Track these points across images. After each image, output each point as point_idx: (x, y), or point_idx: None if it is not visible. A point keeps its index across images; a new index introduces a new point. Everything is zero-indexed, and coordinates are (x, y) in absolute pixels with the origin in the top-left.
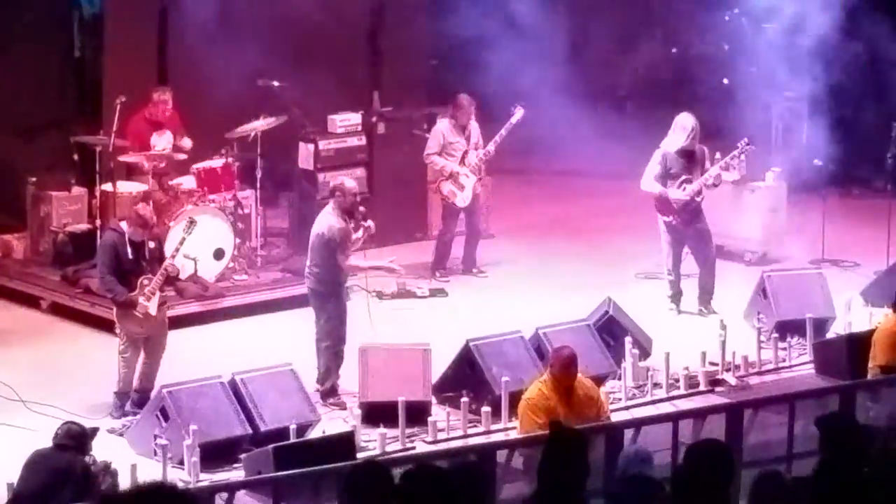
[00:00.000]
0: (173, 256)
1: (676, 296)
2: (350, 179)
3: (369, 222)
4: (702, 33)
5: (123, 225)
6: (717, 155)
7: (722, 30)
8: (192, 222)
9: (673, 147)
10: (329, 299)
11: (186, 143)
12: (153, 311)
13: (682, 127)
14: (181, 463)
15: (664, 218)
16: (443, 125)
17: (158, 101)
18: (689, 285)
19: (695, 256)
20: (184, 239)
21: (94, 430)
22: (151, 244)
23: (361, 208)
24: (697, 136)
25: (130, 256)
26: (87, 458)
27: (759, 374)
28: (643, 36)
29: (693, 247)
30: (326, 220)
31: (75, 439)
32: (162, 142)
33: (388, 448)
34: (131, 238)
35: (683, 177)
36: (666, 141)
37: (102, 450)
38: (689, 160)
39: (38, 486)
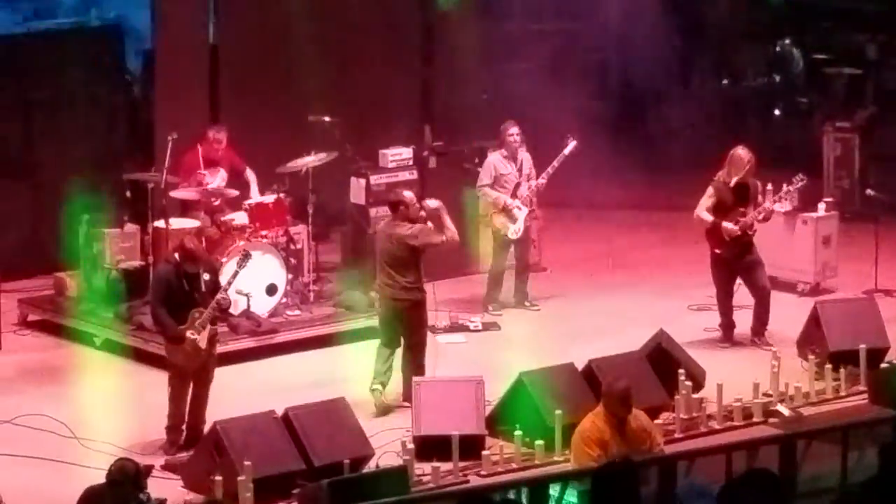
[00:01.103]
0: (226, 289)
1: (728, 328)
2: (409, 192)
3: (429, 202)
4: (753, 64)
5: (177, 256)
6: (769, 186)
7: (773, 60)
8: (246, 255)
9: (728, 180)
10: (423, 307)
11: (250, 175)
12: (203, 344)
13: (738, 160)
14: (235, 499)
15: (715, 250)
16: (494, 157)
17: (213, 139)
18: (741, 317)
19: (748, 288)
20: (237, 272)
21: (149, 468)
22: (207, 276)
23: (422, 213)
24: (753, 170)
25: (186, 288)
26: (141, 496)
27: (813, 404)
28: (694, 67)
29: (746, 279)
30: (401, 231)
31: (128, 476)
32: (215, 179)
33: (442, 482)
34: (185, 270)
35: (736, 210)
36: (721, 173)
37: (157, 487)
38: (744, 193)
39: None
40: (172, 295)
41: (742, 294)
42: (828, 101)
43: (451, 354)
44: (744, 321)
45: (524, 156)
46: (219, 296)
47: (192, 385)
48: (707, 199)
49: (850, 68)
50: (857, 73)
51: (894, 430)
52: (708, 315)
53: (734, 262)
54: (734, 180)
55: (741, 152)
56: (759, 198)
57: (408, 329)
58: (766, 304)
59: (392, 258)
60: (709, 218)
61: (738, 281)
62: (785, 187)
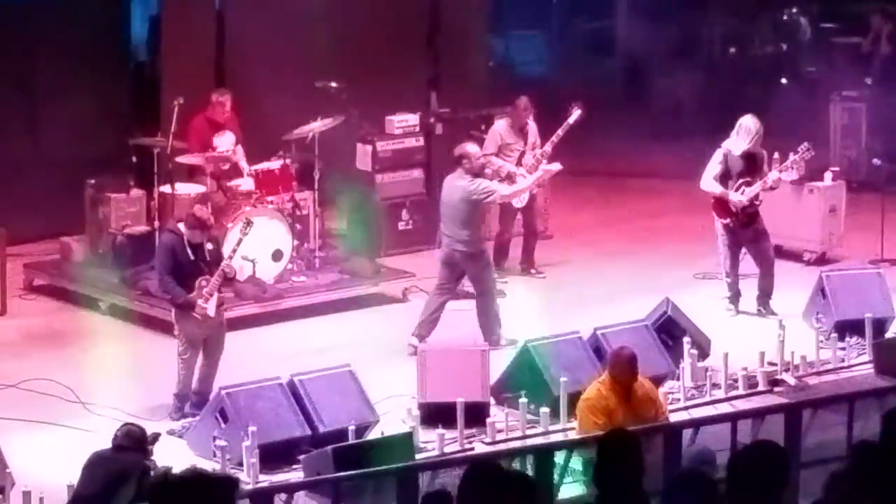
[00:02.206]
0: (230, 257)
1: (734, 297)
2: (472, 144)
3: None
4: (760, 33)
5: (181, 226)
6: (776, 155)
7: (780, 29)
8: (248, 223)
9: (736, 149)
10: (481, 258)
11: (239, 150)
12: (211, 312)
13: (747, 129)
14: (240, 464)
15: (721, 220)
16: (500, 126)
17: (217, 102)
18: (747, 286)
19: (753, 258)
20: (241, 240)
21: (156, 436)
22: (210, 245)
23: (487, 170)
24: (760, 139)
25: (190, 258)
26: (147, 462)
27: (818, 374)
28: (702, 36)
29: (751, 249)
30: (463, 185)
31: (134, 441)
32: (224, 142)
33: (447, 449)
34: (189, 240)
35: (743, 179)
36: (728, 142)
37: (161, 452)
38: (751, 163)
39: (97, 488)
40: (178, 264)
41: (748, 263)
42: (835, 70)
43: (457, 322)
44: (749, 290)
45: (531, 125)
46: (223, 265)
47: (202, 352)
48: (713, 168)
49: (858, 37)
50: (861, 41)
51: None
52: (713, 284)
53: (740, 231)
54: (742, 150)
55: (750, 122)
56: (766, 167)
57: (469, 278)
58: (770, 274)
59: (451, 210)
60: (717, 188)
61: (744, 251)
62: (791, 156)
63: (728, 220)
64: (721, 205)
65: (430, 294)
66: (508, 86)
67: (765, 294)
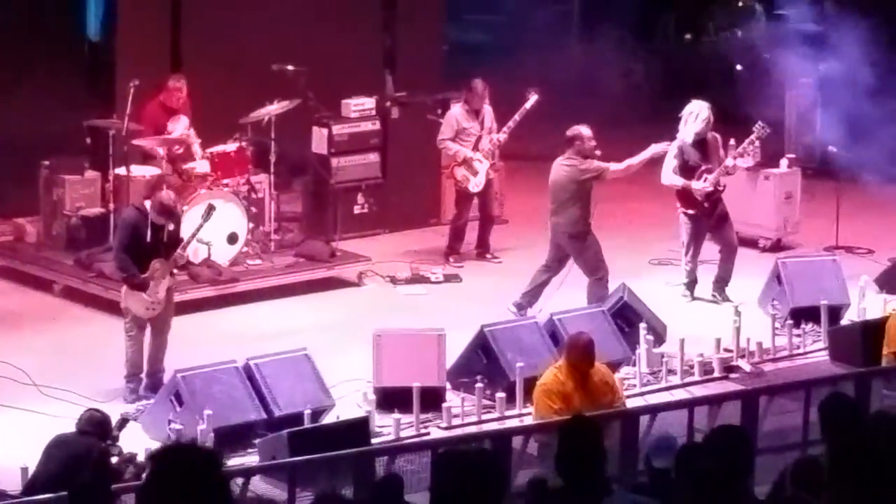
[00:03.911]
0: (188, 243)
1: (691, 284)
2: (585, 126)
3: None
4: (714, 19)
5: (149, 206)
6: (732, 141)
7: (735, 16)
8: (211, 209)
9: (689, 137)
10: (586, 239)
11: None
12: (161, 294)
13: (695, 115)
14: None
15: (688, 211)
16: (456, 110)
17: (173, 88)
18: (704, 272)
19: (717, 242)
20: (201, 225)
21: (124, 421)
22: (171, 226)
23: (598, 152)
24: (711, 123)
25: (149, 238)
26: (113, 448)
27: (774, 360)
28: (656, 22)
29: (715, 235)
30: (574, 164)
31: (97, 426)
32: (178, 127)
33: (403, 434)
34: (153, 221)
35: (703, 167)
36: (680, 132)
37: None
38: (706, 149)
39: (55, 471)
40: (137, 243)
41: (705, 249)
42: (788, 57)
43: (413, 306)
44: (706, 276)
45: (486, 109)
46: (175, 253)
47: (149, 333)
48: (671, 161)
49: (811, 24)
50: (815, 30)
51: (856, 387)
52: (669, 270)
53: (705, 220)
54: (693, 136)
55: (697, 107)
56: (722, 152)
57: (573, 257)
58: (732, 259)
59: (559, 189)
60: (678, 181)
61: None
62: (749, 139)
63: (694, 211)
64: (685, 195)
65: (538, 268)
66: (464, 69)
67: (722, 280)
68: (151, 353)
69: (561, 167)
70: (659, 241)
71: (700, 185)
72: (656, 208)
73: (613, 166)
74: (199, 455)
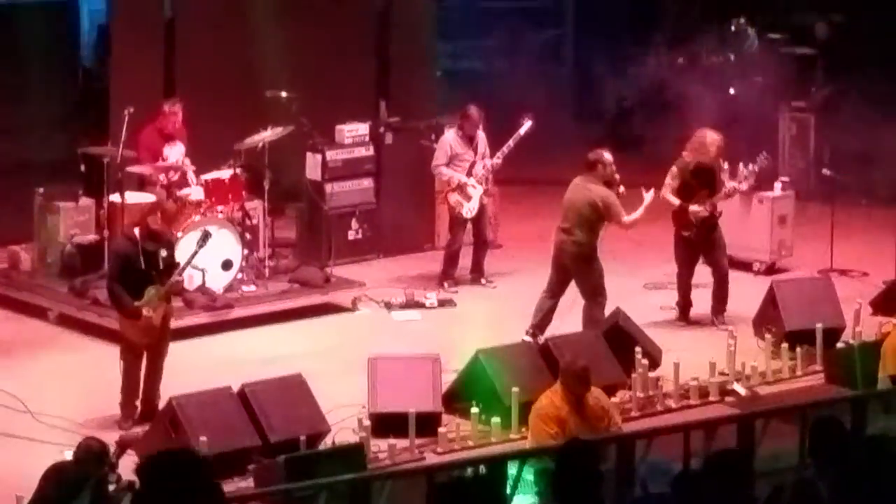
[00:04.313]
0: (183, 269)
1: (686, 308)
2: (607, 152)
3: (622, 189)
4: (708, 43)
5: (137, 232)
6: (725, 165)
7: (728, 39)
8: (206, 235)
9: (694, 162)
10: (592, 262)
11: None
12: (157, 321)
13: (702, 143)
14: None
15: (682, 232)
16: (450, 136)
17: (169, 112)
18: (698, 295)
19: (710, 267)
20: (196, 252)
21: (123, 449)
22: (164, 252)
23: (617, 176)
24: (720, 152)
25: (142, 266)
26: (111, 476)
27: (769, 383)
28: (650, 45)
29: (708, 259)
30: (595, 191)
31: (94, 454)
32: (174, 153)
33: (399, 459)
34: (144, 247)
35: (702, 191)
36: (685, 154)
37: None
38: (709, 175)
39: (52, 499)
40: (129, 270)
41: (699, 273)
42: (782, 80)
43: (407, 331)
44: (700, 300)
45: (480, 135)
46: (173, 278)
47: (145, 360)
48: (671, 181)
49: (804, 48)
50: (810, 52)
51: (852, 410)
52: (664, 293)
53: (700, 243)
54: (700, 162)
55: (707, 136)
56: (724, 178)
57: (574, 278)
58: (725, 285)
59: (573, 209)
60: (675, 201)
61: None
62: (749, 167)
63: (689, 233)
64: (681, 216)
65: (540, 296)
66: (457, 95)
67: (719, 305)
68: (147, 380)
69: (580, 188)
70: (654, 264)
71: (698, 209)
72: (652, 232)
73: (626, 217)
74: (188, 459)
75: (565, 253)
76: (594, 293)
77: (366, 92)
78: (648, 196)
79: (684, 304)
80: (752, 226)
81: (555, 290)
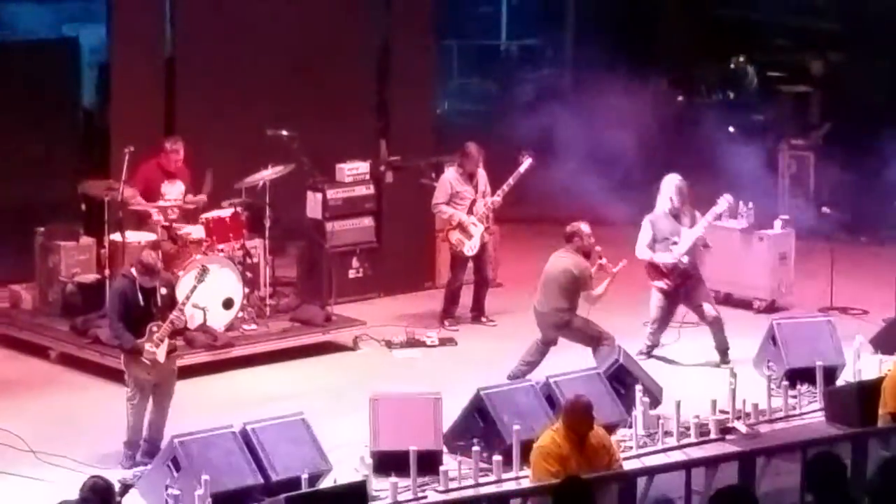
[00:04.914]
0: (184, 304)
1: (651, 348)
2: (585, 224)
3: (604, 259)
4: (707, 81)
5: (134, 271)
6: (697, 214)
7: (727, 77)
8: (204, 270)
9: (660, 210)
10: (570, 323)
11: (201, 198)
12: (161, 358)
13: (665, 189)
14: None
15: (656, 283)
16: (450, 174)
17: (171, 150)
18: (688, 333)
19: (696, 314)
20: (195, 287)
21: (126, 487)
22: (164, 290)
23: (598, 248)
24: (685, 197)
25: (141, 303)
26: None
27: (770, 421)
28: (649, 83)
29: (690, 306)
30: (571, 261)
31: (99, 493)
32: (174, 191)
33: (400, 497)
34: (141, 284)
35: (672, 239)
36: (657, 206)
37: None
38: (678, 223)
39: None
40: (129, 309)
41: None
42: (781, 118)
43: (408, 370)
44: (692, 337)
45: (480, 173)
46: (173, 314)
47: (151, 399)
48: (644, 235)
49: (802, 86)
50: (808, 90)
51: (853, 449)
52: (665, 332)
53: (675, 292)
54: (667, 210)
55: (672, 181)
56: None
57: (567, 337)
58: (719, 329)
59: (551, 279)
60: (647, 254)
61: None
62: (712, 212)
63: (662, 283)
64: (654, 269)
65: (534, 342)
66: (456, 134)
67: (722, 350)
68: (153, 420)
69: (558, 260)
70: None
71: (664, 258)
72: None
73: (595, 291)
74: None
75: (544, 326)
76: (594, 342)
77: (366, 131)
78: (619, 265)
79: (651, 344)
80: (752, 264)
81: (543, 347)
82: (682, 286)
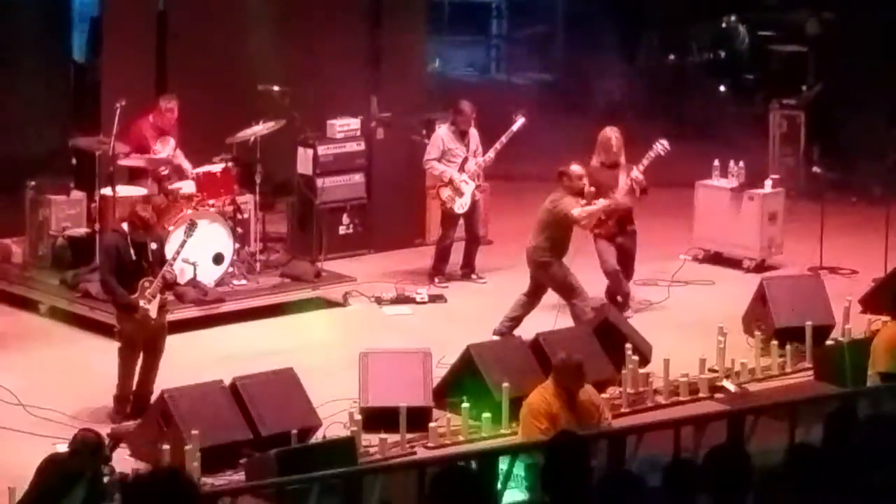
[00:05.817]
0: (174, 259)
1: (626, 296)
2: (576, 165)
3: (601, 201)
4: (698, 40)
5: (125, 226)
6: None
7: (718, 37)
8: (192, 224)
9: (600, 162)
10: (550, 267)
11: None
12: (153, 313)
13: (606, 141)
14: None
15: (594, 231)
16: (442, 131)
17: (165, 109)
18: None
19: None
20: (185, 241)
21: (117, 441)
22: (154, 245)
23: (590, 189)
24: (621, 151)
25: (133, 258)
26: (105, 468)
27: (759, 380)
28: (640, 43)
29: (621, 259)
30: (551, 198)
31: (89, 446)
32: (166, 149)
33: (390, 453)
34: (133, 239)
35: (610, 189)
36: (594, 158)
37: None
38: (615, 173)
39: (47, 491)
40: (121, 264)
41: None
42: (772, 78)
43: (398, 326)
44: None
45: (472, 132)
46: (164, 269)
47: (142, 354)
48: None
49: (794, 45)
50: (800, 50)
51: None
52: (654, 290)
53: (611, 239)
54: (603, 162)
55: (609, 134)
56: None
57: (535, 283)
58: (616, 281)
59: (538, 218)
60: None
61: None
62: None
63: (600, 230)
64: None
65: (518, 297)
66: (448, 90)
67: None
68: (143, 375)
69: (548, 199)
70: (642, 261)
71: (584, 210)
72: (640, 229)
73: (576, 211)
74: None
75: (529, 261)
76: (568, 295)
77: (357, 87)
78: (599, 202)
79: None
80: (741, 223)
81: (529, 298)
82: (621, 233)
